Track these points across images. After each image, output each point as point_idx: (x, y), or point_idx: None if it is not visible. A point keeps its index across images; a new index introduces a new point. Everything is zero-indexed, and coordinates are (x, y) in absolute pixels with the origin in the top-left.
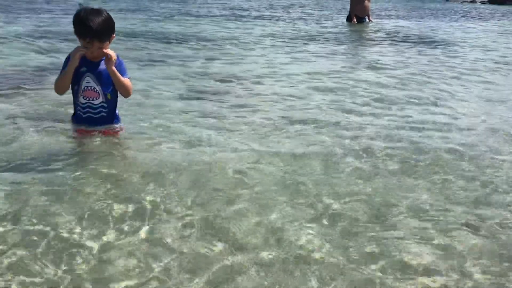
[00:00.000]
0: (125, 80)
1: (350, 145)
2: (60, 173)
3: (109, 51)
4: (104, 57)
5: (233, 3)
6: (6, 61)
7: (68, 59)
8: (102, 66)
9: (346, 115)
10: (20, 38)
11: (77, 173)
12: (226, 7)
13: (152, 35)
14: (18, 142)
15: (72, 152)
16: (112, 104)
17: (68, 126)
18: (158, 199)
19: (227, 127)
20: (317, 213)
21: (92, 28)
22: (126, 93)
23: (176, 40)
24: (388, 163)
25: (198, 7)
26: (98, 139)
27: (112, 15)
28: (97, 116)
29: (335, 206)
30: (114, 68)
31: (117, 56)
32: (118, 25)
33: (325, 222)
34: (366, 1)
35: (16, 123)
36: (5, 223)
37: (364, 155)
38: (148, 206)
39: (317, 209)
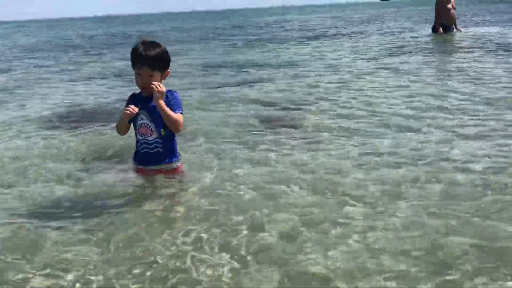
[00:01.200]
0: (174, 115)
1: None
2: (121, 212)
3: (156, 83)
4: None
5: (309, 24)
6: (85, 100)
7: (126, 103)
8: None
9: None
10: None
11: (133, 215)
12: (303, 28)
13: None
14: (86, 180)
15: (132, 191)
16: (167, 140)
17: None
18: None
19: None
20: None
21: (142, 54)
22: (174, 128)
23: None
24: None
25: (277, 31)
26: (157, 178)
27: (190, 46)
28: (153, 151)
29: None
30: (161, 102)
31: (173, 91)
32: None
33: None
34: (452, 10)
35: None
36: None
37: None
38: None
39: None
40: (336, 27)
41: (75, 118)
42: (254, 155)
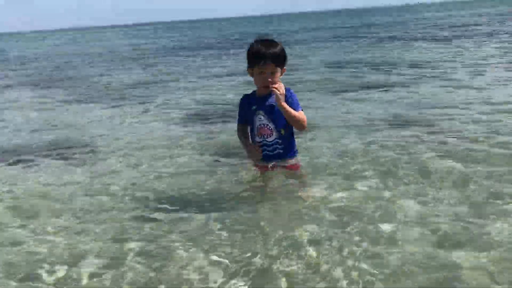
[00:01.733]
0: (298, 114)
1: None
2: (244, 208)
3: (276, 85)
4: (272, 93)
5: (446, 21)
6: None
7: (240, 106)
8: (272, 101)
9: None
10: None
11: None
12: (439, 25)
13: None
14: (211, 175)
15: (253, 188)
16: (286, 139)
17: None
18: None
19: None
20: None
21: (266, 51)
22: (300, 126)
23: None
24: None
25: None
26: (277, 174)
27: (319, 45)
28: (273, 153)
29: None
30: (283, 103)
31: (288, 90)
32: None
33: None
34: None
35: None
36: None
37: None
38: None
39: None
40: (476, 24)
41: (210, 113)
42: (378, 157)
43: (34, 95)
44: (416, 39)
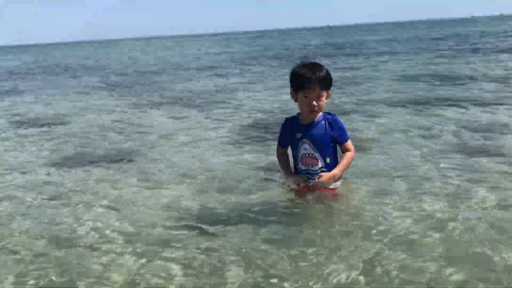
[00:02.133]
0: (349, 160)
1: None
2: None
3: (325, 177)
4: (318, 119)
5: None
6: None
7: (282, 129)
8: (317, 129)
9: None
10: None
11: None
12: None
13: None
14: (259, 192)
15: (293, 207)
16: (332, 166)
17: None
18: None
19: None
20: None
21: (312, 75)
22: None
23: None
24: None
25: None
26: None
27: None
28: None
29: None
30: (333, 174)
31: (334, 115)
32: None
33: None
34: None
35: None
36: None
37: None
38: None
39: None
40: None
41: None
42: (442, 183)
43: (109, 100)
44: (502, 51)
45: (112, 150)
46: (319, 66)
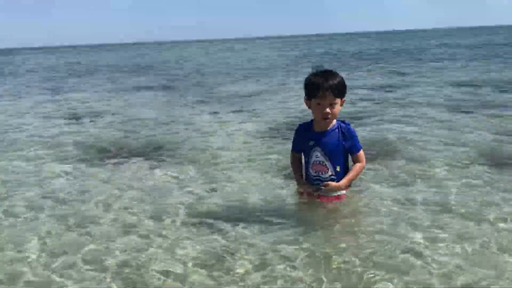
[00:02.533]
0: (358, 171)
1: None
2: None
3: (328, 187)
4: (332, 127)
5: None
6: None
7: (296, 134)
8: (330, 138)
9: None
10: None
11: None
12: None
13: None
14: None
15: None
16: (341, 174)
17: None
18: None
19: None
20: None
21: (325, 81)
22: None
23: None
24: None
25: None
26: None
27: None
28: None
29: None
30: (340, 184)
31: (348, 127)
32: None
33: None
34: None
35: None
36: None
37: None
38: None
39: None
40: None
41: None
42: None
43: (158, 96)
44: None
45: (150, 142)
46: (332, 74)
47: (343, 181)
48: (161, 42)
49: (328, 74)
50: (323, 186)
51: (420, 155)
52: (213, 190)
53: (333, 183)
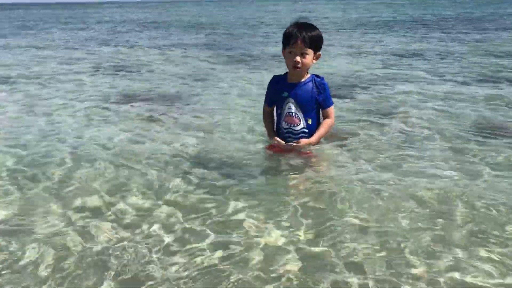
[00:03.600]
0: (326, 129)
1: None
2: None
3: (301, 143)
4: (306, 80)
5: None
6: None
7: (269, 87)
8: (303, 90)
9: None
10: None
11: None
12: None
13: None
14: (219, 150)
15: (264, 166)
16: (313, 127)
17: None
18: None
19: None
20: None
21: (298, 31)
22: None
23: None
24: None
25: None
26: (290, 157)
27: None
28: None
29: None
30: (309, 141)
31: (322, 81)
32: None
33: None
34: None
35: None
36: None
37: None
38: None
39: None
40: None
41: None
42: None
43: (192, 54)
44: None
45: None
46: (308, 25)
47: (314, 138)
48: None
49: (304, 25)
50: (296, 143)
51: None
52: (199, 144)
53: (305, 140)
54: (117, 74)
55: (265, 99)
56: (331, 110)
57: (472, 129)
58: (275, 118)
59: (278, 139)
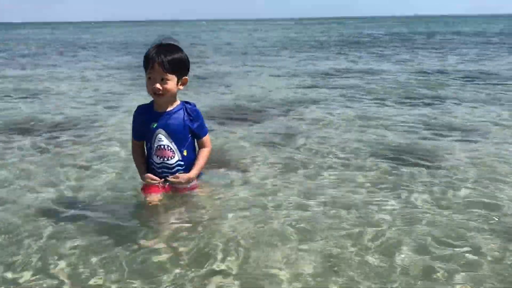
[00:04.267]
0: (206, 157)
1: None
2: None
3: (181, 178)
4: (176, 107)
5: None
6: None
7: (134, 119)
8: (174, 119)
9: None
10: None
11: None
12: None
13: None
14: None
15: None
16: (190, 159)
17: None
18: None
19: None
20: None
21: (157, 54)
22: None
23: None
24: None
25: None
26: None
27: None
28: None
29: None
30: (190, 175)
31: (194, 108)
32: None
33: None
34: None
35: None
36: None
37: None
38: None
39: None
40: None
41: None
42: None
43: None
44: None
45: None
46: (170, 47)
47: (194, 171)
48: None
49: (165, 46)
50: (174, 178)
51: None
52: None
53: (184, 175)
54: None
55: (132, 133)
56: (207, 138)
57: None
58: (146, 153)
59: (151, 175)
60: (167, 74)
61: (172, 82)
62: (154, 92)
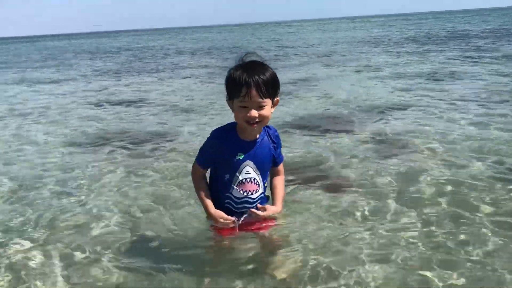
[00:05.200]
0: (283, 186)
1: None
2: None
3: (267, 211)
4: (261, 135)
5: None
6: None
7: (211, 143)
8: (262, 149)
9: None
10: None
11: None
12: None
13: None
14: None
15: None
16: (265, 191)
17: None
18: None
19: None
20: None
21: (250, 77)
22: None
23: None
24: None
25: None
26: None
27: None
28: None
29: None
30: (275, 208)
31: (275, 134)
32: None
33: None
34: None
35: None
36: None
37: None
38: None
39: None
40: None
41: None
42: None
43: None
44: None
45: None
46: (258, 65)
47: (279, 204)
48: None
49: (253, 66)
50: (260, 209)
51: None
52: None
53: (271, 207)
54: None
55: (198, 159)
56: (282, 164)
57: None
58: (217, 184)
59: (224, 215)
60: (265, 99)
61: (268, 107)
62: (249, 123)
